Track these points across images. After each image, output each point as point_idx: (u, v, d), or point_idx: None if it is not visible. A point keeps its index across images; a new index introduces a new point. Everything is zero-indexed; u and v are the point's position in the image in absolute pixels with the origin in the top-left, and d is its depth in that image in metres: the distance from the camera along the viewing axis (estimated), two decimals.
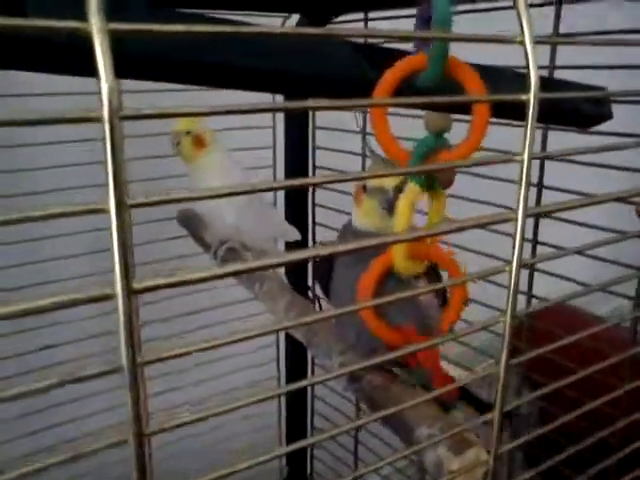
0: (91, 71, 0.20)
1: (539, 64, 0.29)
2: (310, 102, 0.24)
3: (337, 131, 0.92)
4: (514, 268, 0.31)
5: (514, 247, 0.31)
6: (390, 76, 0.39)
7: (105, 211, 0.19)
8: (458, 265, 0.46)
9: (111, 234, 0.20)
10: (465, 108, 0.40)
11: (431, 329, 0.47)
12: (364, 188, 0.48)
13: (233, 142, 0.89)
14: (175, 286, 0.21)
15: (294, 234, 0.84)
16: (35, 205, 0.19)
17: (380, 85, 0.39)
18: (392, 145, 0.42)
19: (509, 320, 0.31)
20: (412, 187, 0.44)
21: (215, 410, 0.25)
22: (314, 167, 0.99)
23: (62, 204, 0.20)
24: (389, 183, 0.47)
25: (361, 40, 0.61)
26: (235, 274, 0.23)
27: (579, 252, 0.38)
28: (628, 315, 0.72)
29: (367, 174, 0.30)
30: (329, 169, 0.94)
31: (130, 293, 0.20)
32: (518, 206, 0.31)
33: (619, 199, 0.34)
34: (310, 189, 0.99)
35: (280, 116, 1.01)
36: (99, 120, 0.19)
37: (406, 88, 0.39)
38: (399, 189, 0.46)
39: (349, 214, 0.93)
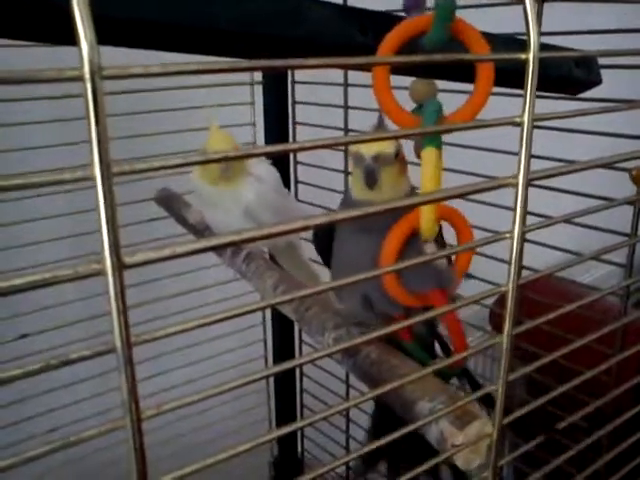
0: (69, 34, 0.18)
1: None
2: (294, 61, 0.23)
3: (317, 84, 0.88)
4: (516, 234, 0.30)
5: (515, 212, 0.30)
6: (394, 36, 0.37)
7: (90, 178, 0.18)
8: (470, 228, 0.45)
9: (97, 203, 0.18)
10: (468, 74, 0.38)
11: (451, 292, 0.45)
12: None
13: (212, 100, 0.87)
14: (168, 259, 0.20)
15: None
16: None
17: (383, 45, 0.38)
18: (396, 108, 0.40)
19: (513, 287, 0.30)
20: (431, 150, 0.40)
21: (213, 391, 0.23)
22: (294, 123, 0.95)
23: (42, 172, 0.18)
24: (367, 150, 0.43)
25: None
26: (226, 246, 0.22)
27: (575, 217, 0.37)
28: (620, 283, 0.72)
29: (365, 137, 0.28)
30: (309, 124, 0.91)
31: (121, 268, 0.19)
32: (519, 170, 0.30)
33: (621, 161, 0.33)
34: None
35: (257, 74, 0.97)
36: (80, 79, 0.17)
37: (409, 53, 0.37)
38: (377, 158, 0.43)
39: (332, 171, 0.91)
